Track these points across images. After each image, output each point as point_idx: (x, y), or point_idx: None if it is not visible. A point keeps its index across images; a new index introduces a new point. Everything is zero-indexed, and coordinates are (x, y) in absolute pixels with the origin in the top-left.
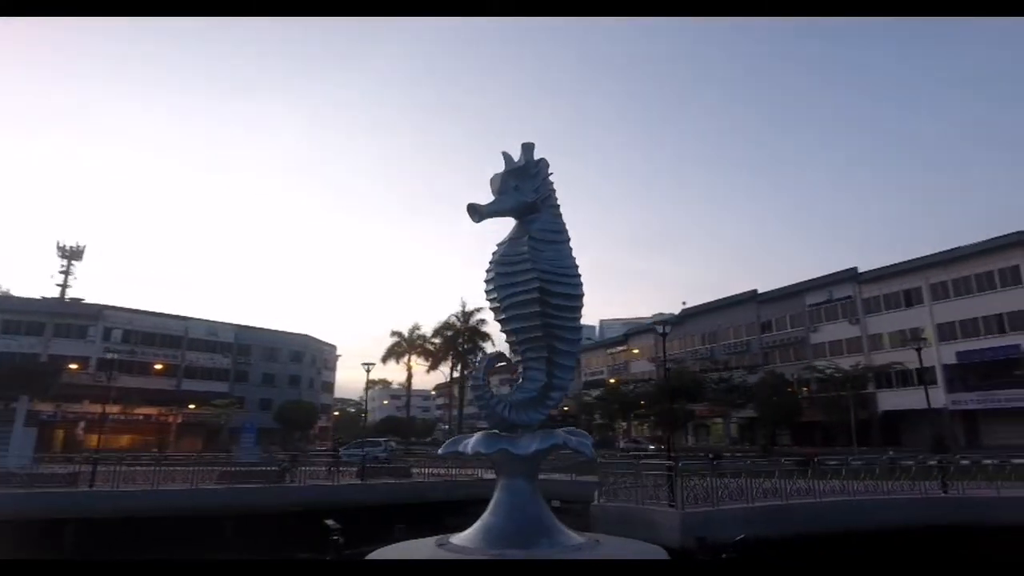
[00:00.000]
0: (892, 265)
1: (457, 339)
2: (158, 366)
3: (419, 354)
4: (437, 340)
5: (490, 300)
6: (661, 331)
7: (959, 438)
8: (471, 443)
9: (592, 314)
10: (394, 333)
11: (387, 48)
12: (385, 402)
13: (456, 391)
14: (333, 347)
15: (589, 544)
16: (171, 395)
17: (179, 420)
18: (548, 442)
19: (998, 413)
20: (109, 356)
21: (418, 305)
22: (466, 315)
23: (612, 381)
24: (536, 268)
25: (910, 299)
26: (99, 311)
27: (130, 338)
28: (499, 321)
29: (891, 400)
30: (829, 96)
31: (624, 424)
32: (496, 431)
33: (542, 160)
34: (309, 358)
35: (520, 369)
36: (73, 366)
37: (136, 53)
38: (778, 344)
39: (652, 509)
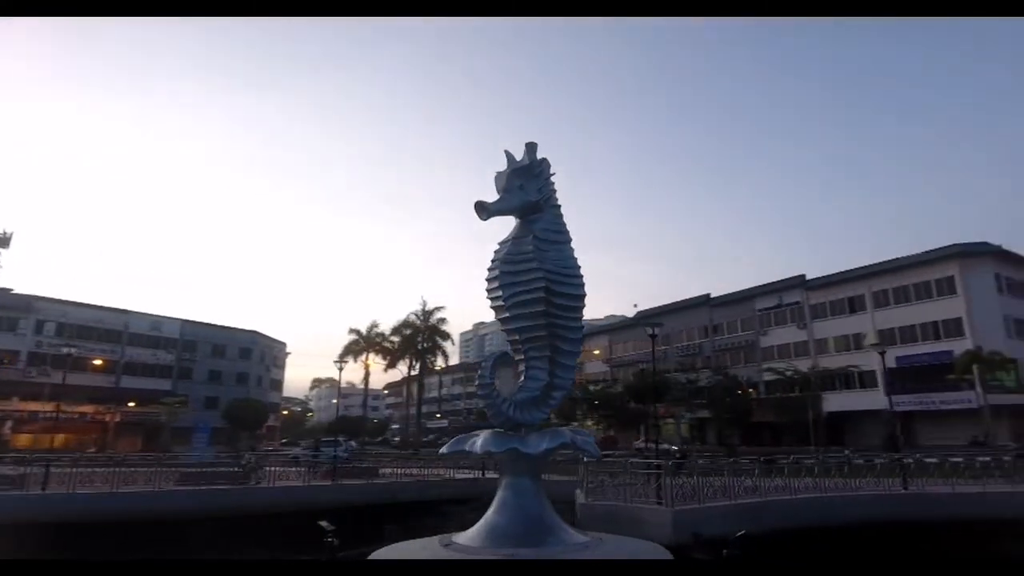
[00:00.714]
0: (838, 273)
1: (416, 337)
2: (96, 361)
3: (377, 352)
4: (396, 339)
5: (492, 299)
6: (651, 332)
7: (897, 436)
8: (479, 442)
9: None
10: (352, 331)
11: (355, 51)
12: (334, 400)
13: (415, 389)
14: (283, 344)
15: (594, 543)
16: (109, 392)
17: (117, 419)
18: (557, 441)
19: (932, 415)
20: (42, 351)
21: (374, 305)
22: (426, 314)
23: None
24: (542, 268)
25: (854, 306)
26: (30, 302)
27: (64, 331)
28: (501, 320)
29: (836, 401)
30: (783, 111)
31: (576, 424)
32: (500, 430)
33: (544, 160)
34: (258, 355)
35: (522, 368)
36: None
37: (62, 35)
38: (729, 347)
39: (641, 507)
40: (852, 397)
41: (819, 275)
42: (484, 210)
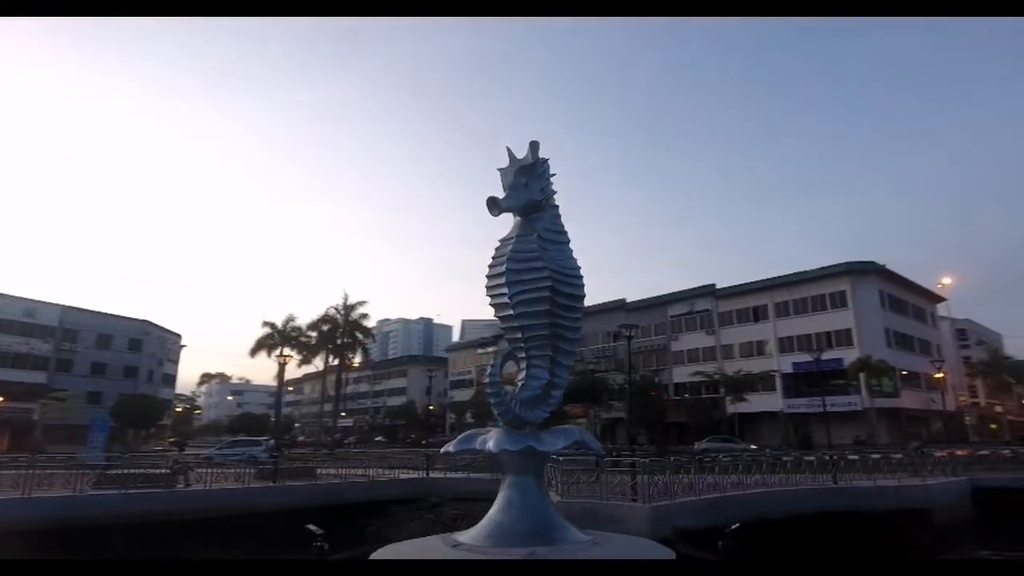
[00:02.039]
0: (744, 284)
1: (335, 332)
2: None
3: (293, 347)
4: (313, 333)
5: (495, 295)
6: (627, 333)
7: (791, 437)
8: (493, 441)
9: (454, 315)
10: (266, 324)
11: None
12: (230, 397)
13: (329, 386)
14: (178, 336)
15: (600, 541)
16: None
17: None
18: (571, 439)
19: (822, 416)
20: None
21: (279, 300)
22: (347, 308)
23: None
24: (548, 267)
25: (758, 315)
26: None
27: None
28: (502, 318)
29: (740, 404)
30: (701, 122)
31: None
32: (512, 429)
33: (546, 160)
34: (150, 347)
35: (524, 367)
36: None
37: None
38: (643, 350)
39: (620, 504)
40: (753, 399)
41: (728, 285)
42: (496, 206)
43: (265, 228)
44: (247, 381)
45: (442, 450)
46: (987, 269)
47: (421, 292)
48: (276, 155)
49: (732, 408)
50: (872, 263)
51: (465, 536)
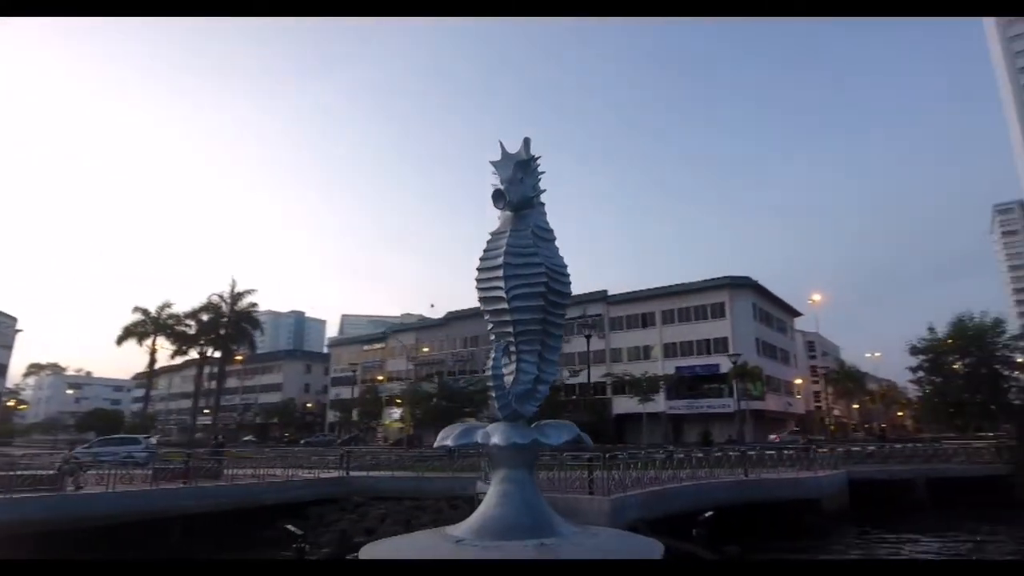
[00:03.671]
0: (634, 292)
1: (219, 322)
2: None
3: (168, 336)
4: (192, 322)
5: (488, 289)
6: (587, 334)
7: (669, 436)
8: (499, 434)
9: (332, 309)
10: (137, 309)
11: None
12: (69, 391)
13: (205, 380)
14: (12, 320)
15: (590, 533)
16: None
17: None
18: (573, 433)
19: (698, 417)
20: None
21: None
22: (235, 296)
23: (380, 379)
24: (543, 263)
25: (645, 321)
26: None
27: None
28: (494, 311)
29: (623, 404)
30: (596, 126)
31: (381, 422)
32: (514, 423)
33: (539, 156)
34: None
35: (514, 361)
36: None
37: None
38: None
39: (579, 497)
40: (632, 401)
41: (619, 292)
42: (502, 199)
43: (137, 212)
44: (87, 373)
45: (437, 443)
46: (828, 286)
47: (293, 285)
48: (164, 130)
49: (616, 409)
50: (748, 278)
51: (463, 531)
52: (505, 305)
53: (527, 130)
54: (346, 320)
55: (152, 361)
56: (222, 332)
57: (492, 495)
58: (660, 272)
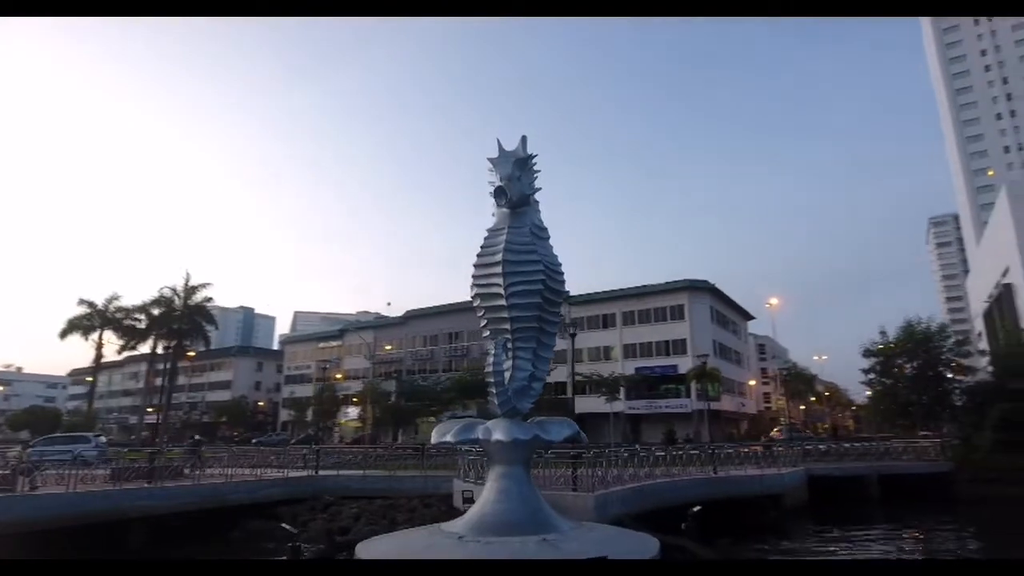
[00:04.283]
0: (596, 293)
1: (172, 316)
2: None
3: (116, 330)
4: (142, 316)
5: (484, 285)
6: (571, 332)
7: (628, 435)
8: (501, 430)
9: (282, 306)
10: (83, 302)
11: None
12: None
13: (161, 377)
14: None
15: (587, 528)
16: None
17: None
18: (573, 429)
19: (655, 416)
20: None
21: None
22: (188, 290)
23: (339, 377)
24: (542, 260)
25: (606, 322)
26: None
27: None
28: (491, 308)
29: (584, 404)
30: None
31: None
32: (516, 419)
33: (536, 155)
34: None
35: (511, 358)
36: None
37: None
38: None
39: (564, 494)
40: (592, 400)
41: (581, 292)
42: (504, 196)
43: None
44: (18, 369)
45: (435, 440)
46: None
47: (242, 280)
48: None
49: (579, 408)
50: (706, 281)
51: (461, 527)
52: (503, 302)
53: (486, 127)
54: (299, 317)
55: (98, 356)
56: (175, 327)
57: (490, 491)
58: (618, 275)
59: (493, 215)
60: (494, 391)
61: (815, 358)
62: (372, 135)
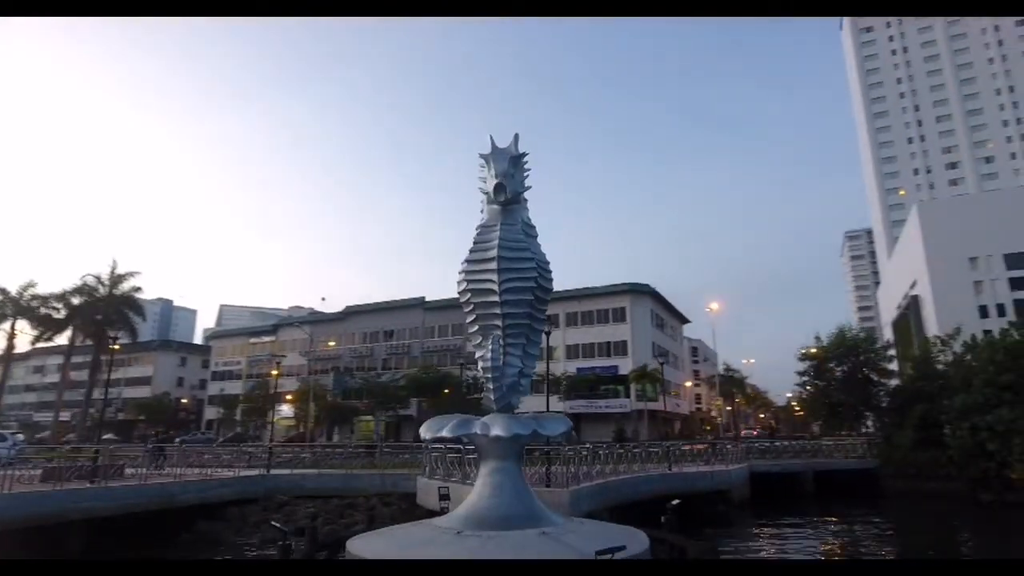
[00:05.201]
0: None
1: (95, 306)
2: None
3: (30, 320)
4: (60, 305)
5: (476, 281)
6: (546, 330)
7: (573, 435)
8: (500, 425)
9: (204, 299)
10: None
11: None
12: None
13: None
14: None
15: (578, 522)
16: None
17: None
18: (568, 425)
19: (595, 416)
20: None
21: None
22: (114, 279)
23: (275, 373)
24: (534, 257)
25: (549, 323)
26: None
27: None
28: (482, 304)
29: (526, 403)
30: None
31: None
32: (512, 414)
33: (527, 153)
34: None
35: (501, 355)
36: None
37: None
38: (439, 349)
39: (538, 490)
40: (535, 400)
41: None
42: (503, 193)
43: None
44: None
45: (429, 434)
46: (709, 295)
47: (158, 270)
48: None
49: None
50: (647, 285)
51: (457, 522)
52: (496, 298)
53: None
54: (225, 310)
55: (10, 347)
56: (99, 317)
57: (484, 486)
58: (560, 276)
59: (482, 212)
60: (491, 386)
61: (744, 361)
62: (302, 130)
